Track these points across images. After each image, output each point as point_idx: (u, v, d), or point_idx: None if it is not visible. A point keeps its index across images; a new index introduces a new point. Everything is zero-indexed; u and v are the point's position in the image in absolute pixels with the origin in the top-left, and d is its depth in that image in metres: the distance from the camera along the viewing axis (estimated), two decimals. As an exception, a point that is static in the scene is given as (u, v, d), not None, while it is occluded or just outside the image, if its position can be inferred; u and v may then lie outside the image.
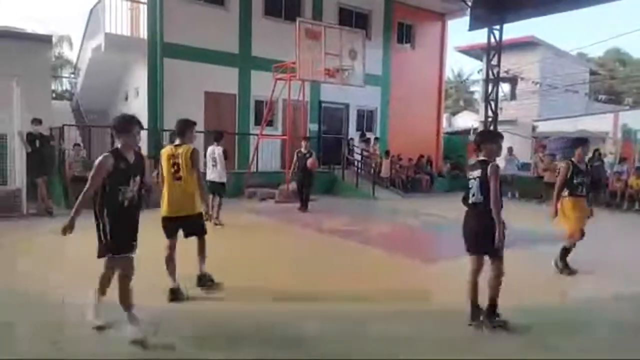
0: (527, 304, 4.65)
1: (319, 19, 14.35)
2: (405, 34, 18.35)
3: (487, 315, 4.02)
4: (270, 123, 14.13)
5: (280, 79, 12.59)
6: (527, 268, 6.02)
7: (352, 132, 16.77)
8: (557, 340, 3.90)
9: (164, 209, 4.61)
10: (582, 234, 5.89)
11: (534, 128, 22.52)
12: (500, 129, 17.95)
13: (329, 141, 16.10)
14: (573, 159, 6.03)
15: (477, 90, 32.41)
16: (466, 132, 23.88)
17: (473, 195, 4.15)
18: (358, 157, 15.53)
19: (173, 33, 12.63)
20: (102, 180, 3.50)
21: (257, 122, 14.04)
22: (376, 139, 16.61)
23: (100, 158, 3.52)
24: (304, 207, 10.81)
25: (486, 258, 4.09)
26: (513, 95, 24.71)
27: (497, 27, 16.90)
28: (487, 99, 17.49)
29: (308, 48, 11.56)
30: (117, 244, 3.58)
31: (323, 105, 16.00)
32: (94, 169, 3.51)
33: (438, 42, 19.33)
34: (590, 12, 60.33)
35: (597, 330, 4.32)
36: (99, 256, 3.63)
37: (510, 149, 16.18)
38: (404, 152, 16.72)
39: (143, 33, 12.81)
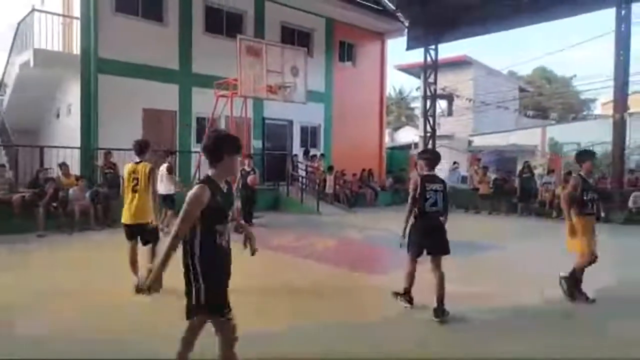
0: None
1: (261, 37, 14.40)
2: (347, 52, 18.80)
3: (440, 310, 4.52)
4: (212, 140, 13.91)
5: (222, 95, 12.46)
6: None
7: (297, 149, 16.84)
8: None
9: (123, 217, 5.41)
10: (595, 257, 5.21)
11: (469, 142, 23.64)
12: (438, 143, 18.76)
13: (273, 157, 16.07)
14: (582, 173, 5.38)
15: (417, 106, 33.67)
16: (408, 146, 24.70)
17: (434, 204, 4.70)
18: (302, 173, 15.59)
19: (108, 48, 12.22)
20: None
21: (199, 140, 13.78)
22: (321, 155, 16.77)
23: (194, 190, 2.71)
24: (248, 223, 10.71)
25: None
26: (450, 112, 25.90)
27: (433, 47, 17.75)
28: (425, 114, 18.22)
29: (250, 65, 11.54)
30: (215, 300, 2.78)
31: (266, 121, 15.99)
32: (187, 205, 2.69)
33: (378, 61, 19.93)
34: (518, 33, 64.77)
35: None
36: (189, 317, 2.84)
37: (455, 163, 16.86)
38: (348, 167, 16.98)
39: (76, 48, 12.30)
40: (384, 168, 19.99)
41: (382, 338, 4.23)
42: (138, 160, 5.44)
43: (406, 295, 4.94)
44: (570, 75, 39.78)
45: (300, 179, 15.22)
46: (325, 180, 15.50)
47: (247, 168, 11.17)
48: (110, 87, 12.25)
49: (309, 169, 15.78)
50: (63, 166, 10.65)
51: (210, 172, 2.83)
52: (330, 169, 15.84)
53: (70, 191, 9.97)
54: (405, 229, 4.79)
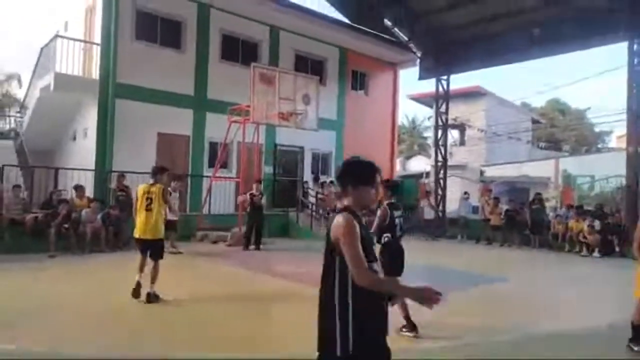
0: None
1: (275, 64, 14.70)
2: (359, 81, 19.05)
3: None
4: (224, 165, 14.07)
5: (235, 121, 12.66)
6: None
7: (307, 175, 16.92)
8: None
9: (135, 232, 6.15)
10: None
11: (481, 172, 23.50)
12: (450, 173, 18.71)
13: (283, 184, 16.15)
14: None
15: (430, 135, 33.78)
16: (419, 175, 24.63)
17: (401, 229, 5.23)
18: (312, 199, 15.60)
19: (126, 74, 12.55)
20: (337, 253, 2.29)
21: (211, 164, 13.94)
22: (331, 182, 16.78)
23: (345, 219, 2.29)
24: (255, 246, 11.15)
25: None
26: (462, 141, 25.87)
27: (445, 77, 17.88)
28: (437, 144, 18.21)
29: (262, 92, 11.76)
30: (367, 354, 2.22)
31: (278, 147, 16.14)
32: (349, 235, 2.24)
33: (390, 90, 20.15)
34: (532, 65, 65.10)
35: None
36: None
37: (466, 193, 16.74)
38: (358, 194, 16.92)
39: (95, 73, 12.66)
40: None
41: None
42: (152, 182, 6.19)
43: (408, 324, 4.87)
44: (585, 107, 39.68)
45: (310, 205, 15.22)
46: (335, 208, 15.46)
47: (255, 192, 11.38)
48: (127, 112, 12.53)
49: (319, 195, 15.79)
50: (78, 189, 10.82)
51: (346, 202, 2.44)
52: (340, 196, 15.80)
53: (83, 213, 10.09)
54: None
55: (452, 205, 17.72)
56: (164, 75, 13.29)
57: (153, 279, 5.97)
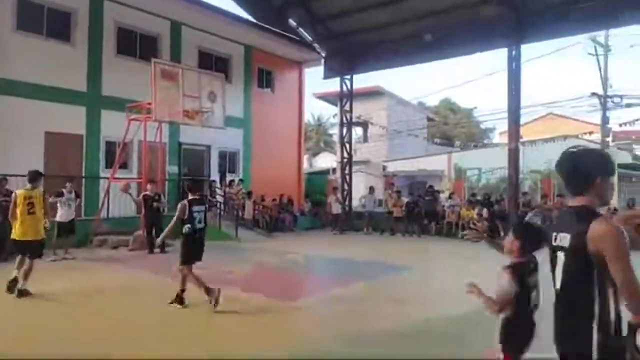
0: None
1: (177, 61, 14.16)
2: (266, 79, 19.04)
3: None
4: (124, 165, 13.30)
5: (134, 119, 12.02)
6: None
7: (214, 174, 16.57)
8: None
9: (15, 234, 6.49)
10: None
11: (384, 167, 24.74)
12: (355, 168, 19.44)
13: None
14: None
15: (335, 133, 34.75)
16: (326, 172, 25.29)
17: (200, 222, 6.00)
18: (220, 198, 15.33)
19: (8, 68, 11.37)
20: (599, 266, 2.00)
21: (109, 165, 13.10)
22: (240, 180, 16.63)
23: (613, 227, 1.97)
24: (159, 249, 10.56)
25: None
26: (365, 138, 27.00)
27: (348, 77, 18.55)
28: (342, 141, 18.85)
29: (165, 89, 11.31)
30: None
31: (183, 146, 15.60)
32: (621, 251, 1.94)
33: (296, 88, 20.39)
34: (426, 67, 69.55)
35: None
36: None
37: (371, 188, 17.49)
38: (267, 192, 16.99)
39: (-31, 66, 11.27)
40: (303, 193, 20.25)
41: None
42: (30, 187, 6.64)
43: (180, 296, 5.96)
44: (472, 106, 43.40)
45: (218, 204, 14.94)
46: (244, 206, 15.37)
47: (150, 193, 10.96)
48: (8, 109, 11.35)
49: (228, 194, 15.56)
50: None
51: (582, 201, 2.12)
52: (249, 194, 15.75)
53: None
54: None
55: (356, 199, 18.48)
56: (52, 70, 12.21)
57: (25, 276, 6.37)
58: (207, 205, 6.09)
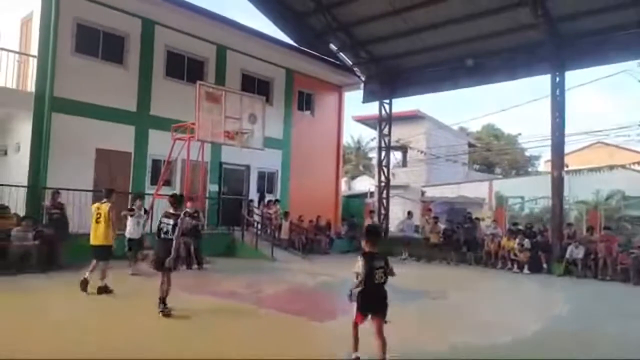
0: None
1: (221, 83, 14.71)
2: (306, 102, 19.39)
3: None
4: (167, 183, 13.79)
5: (179, 138, 12.50)
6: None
7: (253, 194, 16.88)
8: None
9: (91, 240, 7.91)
10: None
11: (422, 193, 24.41)
12: (393, 192, 19.32)
13: (229, 202, 16.02)
14: None
15: (375, 156, 34.71)
16: (364, 195, 25.21)
17: (166, 233, 6.59)
18: (258, 218, 15.56)
19: (65, 88, 12.12)
20: None
21: (154, 182, 13.62)
22: (277, 200, 16.86)
23: None
24: (198, 266, 11.07)
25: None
26: (404, 162, 26.81)
27: (387, 100, 18.63)
28: (380, 165, 18.83)
29: (208, 110, 11.72)
30: None
31: (224, 166, 16.04)
32: None
33: (336, 111, 20.62)
34: (469, 92, 68.86)
35: None
36: None
37: (409, 212, 17.27)
38: (304, 213, 17.11)
39: (31, 86, 12.11)
40: (340, 215, 20.25)
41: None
42: (104, 201, 7.96)
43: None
44: (516, 133, 42.39)
45: (255, 224, 15.17)
46: (280, 226, 15.53)
47: (189, 210, 11.03)
48: (64, 126, 12.06)
49: (265, 214, 15.78)
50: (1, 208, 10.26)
51: None
52: (286, 214, 15.92)
53: (13, 232, 9.53)
54: None
55: (394, 224, 18.27)
56: (105, 90, 12.94)
57: (102, 275, 7.74)
58: (177, 219, 6.64)
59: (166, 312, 6.42)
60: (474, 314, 7.70)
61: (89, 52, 12.85)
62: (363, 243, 4.81)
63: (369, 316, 4.60)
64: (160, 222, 6.77)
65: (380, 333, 4.51)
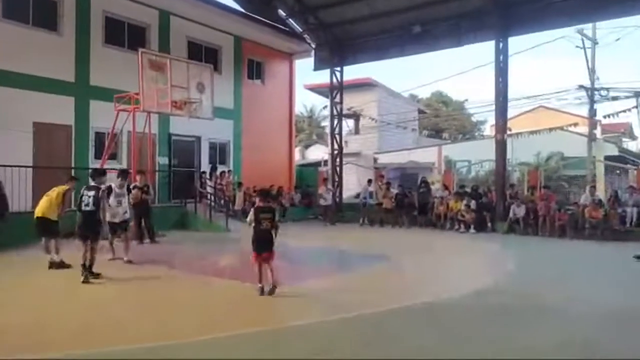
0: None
1: (166, 51, 14.09)
2: (256, 70, 18.99)
3: None
4: (112, 156, 13.27)
5: (123, 110, 11.99)
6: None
7: (205, 165, 16.56)
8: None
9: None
10: None
11: (375, 160, 24.83)
12: (345, 160, 19.52)
13: (180, 174, 15.67)
14: None
15: (327, 125, 34.73)
16: (317, 163, 25.35)
17: (87, 205, 7.03)
18: (211, 190, 15.35)
19: (-6, 57, 11.27)
20: None
21: (98, 156, 13.06)
22: (229, 171, 16.65)
23: None
24: (150, 240, 10.85)
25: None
26: (356, 130, 27.04)
27: (338, 68, 18.56)
28: (332, 133, 18.90)
29: (153, 79, 11.27)
30: None
31: (173, 138, 15.58)
32: None
33: (287, 79, 20.36)
34: (417, 59, 69.64)
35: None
36: None
37: (369, 181, 17.51)
38: (257, 183, 16.98)
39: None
40: (294, 184, 20.31)
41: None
42: (93, 184, 7.44)
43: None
44: (463, 99, 43.55)
45: (208, 195, 14.97)
46: (234, 197, 15.41)
47: (139, 184, 10.64)
48: (-3, 99, 11.27)
49: (218, 186, 15.58)
50: None
51: None
52: (239, 185, 15.79)
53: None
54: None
55: (347, 191, 18.57)
56: (39, 60, 12.12)
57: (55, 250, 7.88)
58: (98, 192, 7.14)
59: (89, 280, 6.79)
60: (421, 275, 8.05)
61: (19, 17, 11.94)
62: (257, 200, 6.51)
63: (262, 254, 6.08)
64: (82, 195, 7.13)
65: (269, 264, 6.07)
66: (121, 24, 14.19)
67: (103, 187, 7.34)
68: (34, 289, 6.66)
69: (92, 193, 7.10)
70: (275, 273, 6.06)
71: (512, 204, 13.99)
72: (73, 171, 11.86)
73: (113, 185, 8.52)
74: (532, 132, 15.46)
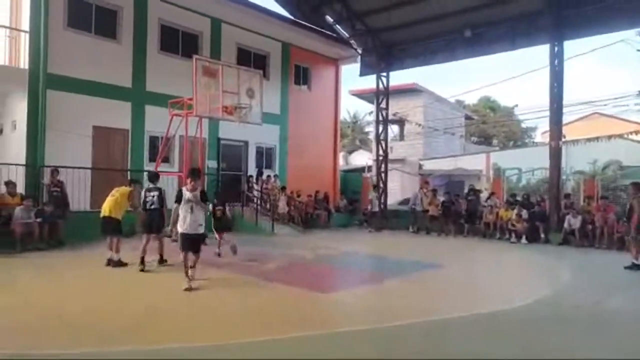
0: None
1: (217, 58, 14.49)
2: (302, 76, 19.19)
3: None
4: (166, 159, 13.75)
5: (176, 114, 12.38)
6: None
7: (252, 169, 16.86)
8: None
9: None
10: None
11: (420, 166, 24.45)
12: (390, 166, 19.34)
13: (228, 178, 16.02)
14: None
15: (371, 130, 34.57)
16: (362, 169, 25.24)
17: (152, 204, 8.15)
18: (257, 193, 15.60)
19: (59, 64, 11.92)
20: None
21: (152, 159, 13.56)
22: (275, 176, 16.87)
23: None
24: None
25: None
26: (402, 136, 26.75)
27: (384, 74, 18.44)
28: (377, 139, 18.78)
29: (205, 85, 11.56)
30: None
31: (221, 142, 15.96)
32: None
33: (333, 85, 20.44)
34: (465, 64, 68.18)
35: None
36: None
37: (421, 187, 17.26)
38: (302, 188, 17.16)
39: (24, 63, 11.90)
40: (338, 190, 20.32)
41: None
42: (152, 186, 8.47)
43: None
44: (512, 105, 42.21)
45: (254, 199, 15.21)
46: (279, 201, 15.59)
47: (188, 187, 10.73)
48: (60, 104, 11.92)
49: (264, 190, 15.81)
50: (9, 185, 10.20)
51: None
52: (283, 189, 15.96)
53: (16, 210, 9.54)
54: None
55: (391, 197, 18.34)
56: (100, 66, 12.75)
57: (116, 249, 8.28)
58: (161, 191, 8.23)
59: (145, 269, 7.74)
60: (474, 284, 7.83)
61: (82, 26, 12.61)
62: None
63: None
64: (145, 196, 8.13)
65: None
66: (175, 32, 14.72)
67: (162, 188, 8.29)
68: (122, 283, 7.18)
69: (155, 193, 8.10)
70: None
71: (567, 215, 13.39)
72: (129, 174, 12.42)
73: (184, 190, 7.12)
74: (589, 140, 14.72)
